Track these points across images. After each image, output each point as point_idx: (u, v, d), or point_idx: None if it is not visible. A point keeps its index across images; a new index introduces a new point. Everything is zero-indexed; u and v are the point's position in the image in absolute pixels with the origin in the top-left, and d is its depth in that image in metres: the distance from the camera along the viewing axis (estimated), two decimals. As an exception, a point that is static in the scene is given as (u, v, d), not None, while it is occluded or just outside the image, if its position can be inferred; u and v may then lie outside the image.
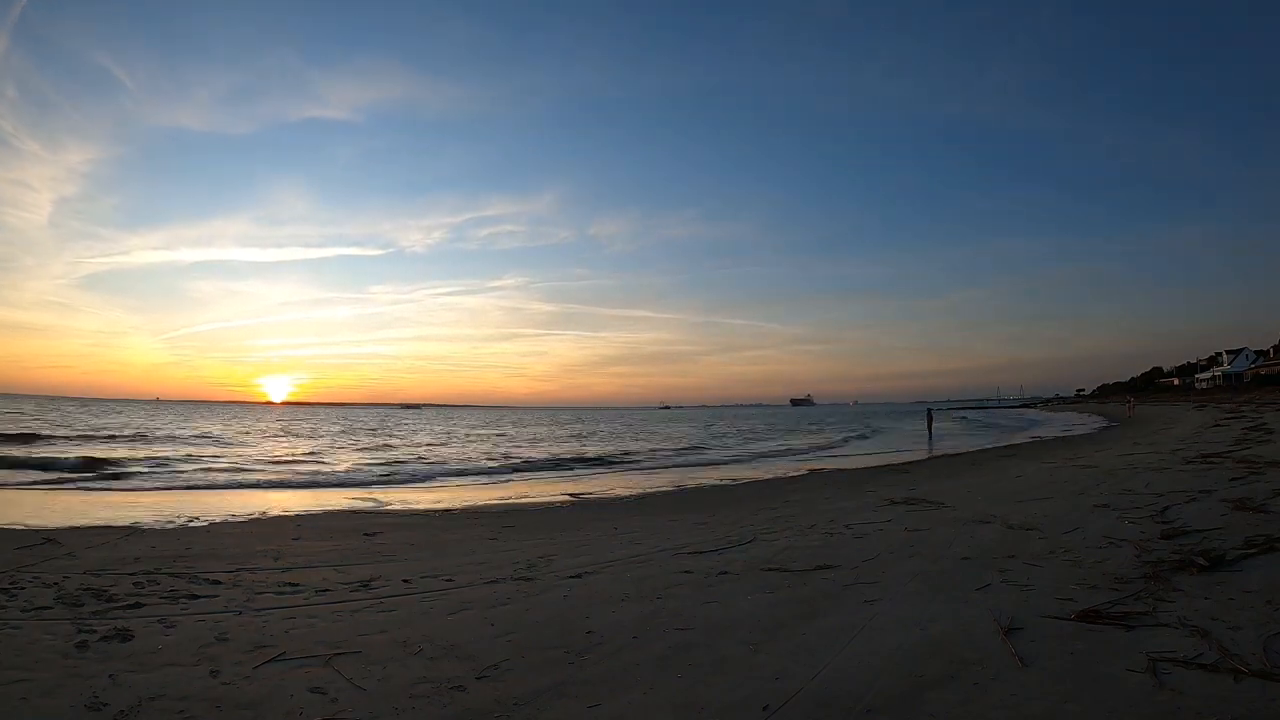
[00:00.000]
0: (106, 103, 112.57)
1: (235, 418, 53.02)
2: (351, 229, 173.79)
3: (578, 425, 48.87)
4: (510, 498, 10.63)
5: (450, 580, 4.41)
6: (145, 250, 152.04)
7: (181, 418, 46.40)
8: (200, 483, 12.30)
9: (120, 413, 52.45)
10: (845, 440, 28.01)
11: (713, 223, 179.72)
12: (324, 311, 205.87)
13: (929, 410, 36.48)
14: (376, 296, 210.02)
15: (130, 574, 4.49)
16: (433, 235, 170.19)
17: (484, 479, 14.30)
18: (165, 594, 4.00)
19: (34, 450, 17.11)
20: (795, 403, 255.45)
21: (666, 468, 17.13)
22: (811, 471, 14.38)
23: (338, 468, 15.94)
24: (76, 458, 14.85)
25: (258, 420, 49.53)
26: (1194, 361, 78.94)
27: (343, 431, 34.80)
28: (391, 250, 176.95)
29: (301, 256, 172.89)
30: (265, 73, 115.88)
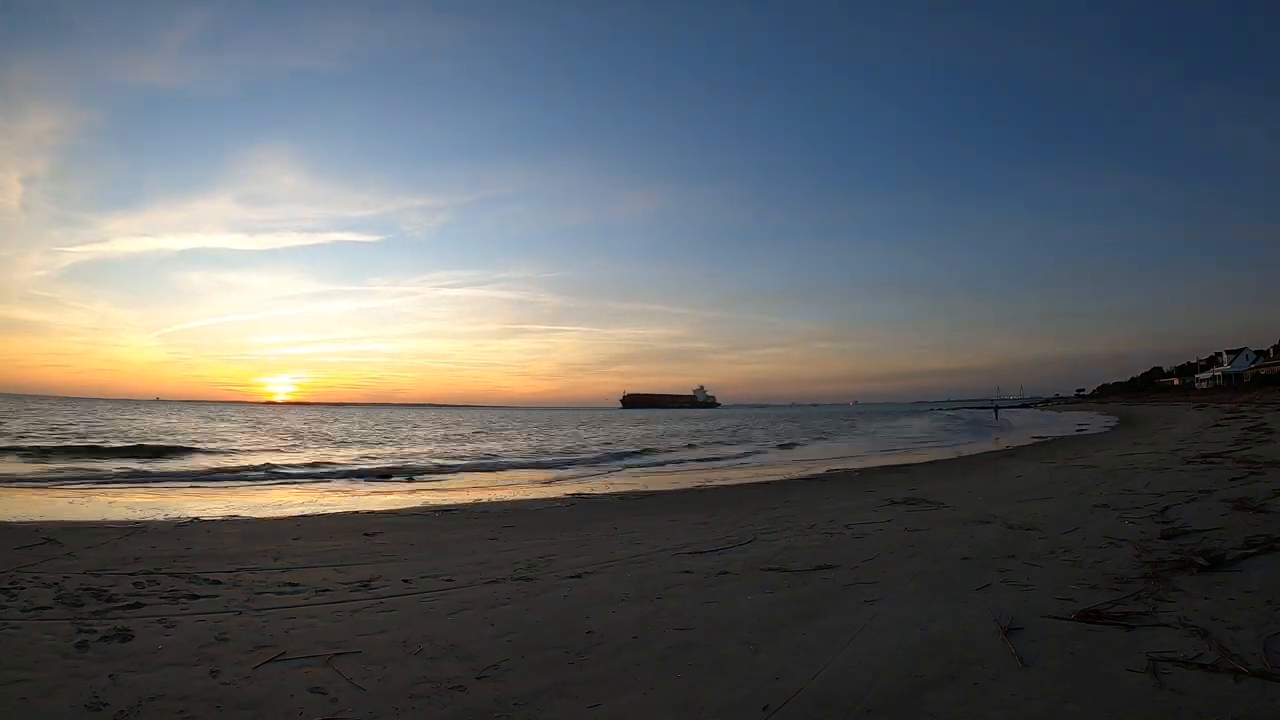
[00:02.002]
0: (65, 53, 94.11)
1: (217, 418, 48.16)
2: (349, 210, 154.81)
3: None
4: (509, 497, 10.64)
5: (450, 580, 4.41)
6: (127, 237, 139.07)
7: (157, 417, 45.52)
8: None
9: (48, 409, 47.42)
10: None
11: (744, 204, 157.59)
12: (322, 306, 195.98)
13: (995, 406, 49.33)
14: (377, 290, 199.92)
15: (130, 574, 4.48)
16: (437, 218, 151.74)
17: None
18: (165, 594, 3.99)
19: None
20: (630, 402, 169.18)
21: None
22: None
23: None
24: None
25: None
26: (1194, 361, 78.88)
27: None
28: (391, 236, 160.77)
29: (295, 243, 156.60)
30: (242, 9, 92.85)
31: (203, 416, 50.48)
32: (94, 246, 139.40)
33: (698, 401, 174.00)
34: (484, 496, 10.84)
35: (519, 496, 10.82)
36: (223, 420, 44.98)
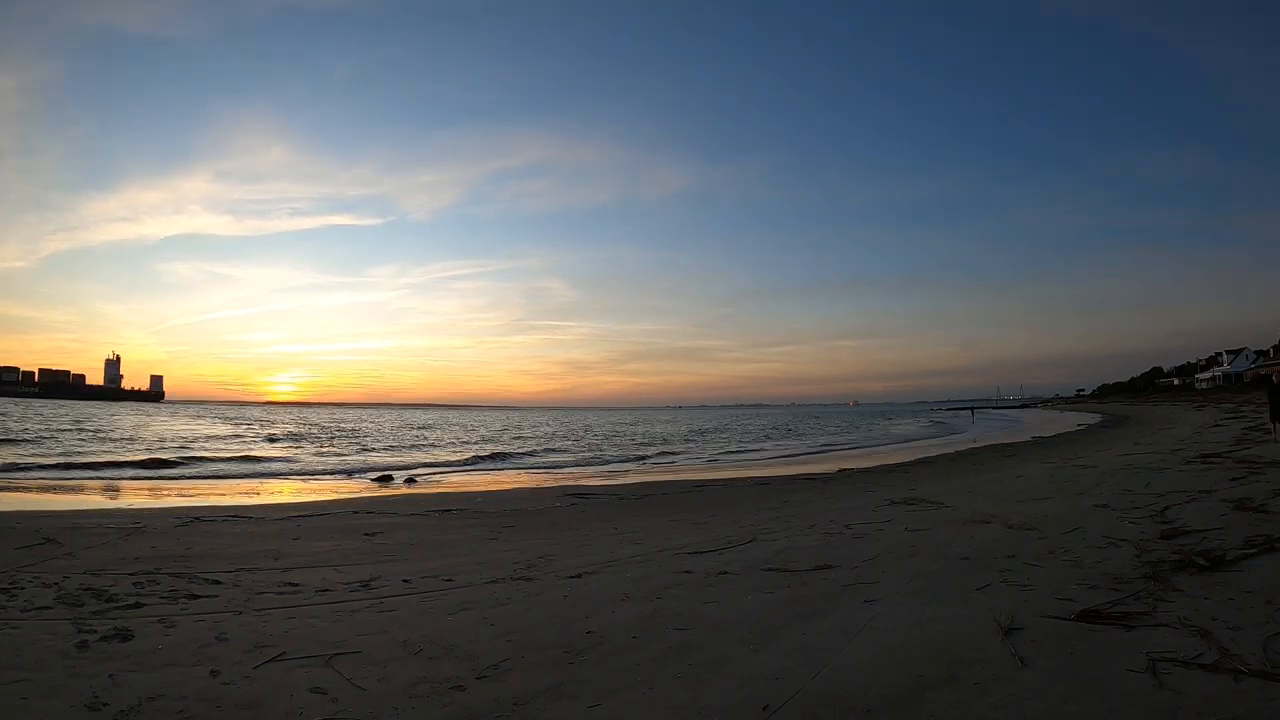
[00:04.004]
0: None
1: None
2: (344, 187, 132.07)
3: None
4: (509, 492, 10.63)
5: (450, 580, 4.40)
6: (107, 223, 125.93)
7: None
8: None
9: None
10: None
11: (778, 180, 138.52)
12: (321, 299, 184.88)
13: (972, 408, 50.56)
14: (377, 281, 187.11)
15: (130, 574, 4.48)
16: (443, 196, 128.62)
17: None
18: (165, 594, 3.99)
19: None
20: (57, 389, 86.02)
21: None
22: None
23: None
24: None
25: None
26: (1194, 361, 78.95)
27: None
28: (393, 219, 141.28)
29: (288, 228, 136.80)
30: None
31: (212, 418, 50.16)
32: (73, 234, 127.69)
33: (93, 390, 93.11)
34: (483, 495, 10.84)
35: (518, 493, 10.82)
36: (224, 421, 44.98)
